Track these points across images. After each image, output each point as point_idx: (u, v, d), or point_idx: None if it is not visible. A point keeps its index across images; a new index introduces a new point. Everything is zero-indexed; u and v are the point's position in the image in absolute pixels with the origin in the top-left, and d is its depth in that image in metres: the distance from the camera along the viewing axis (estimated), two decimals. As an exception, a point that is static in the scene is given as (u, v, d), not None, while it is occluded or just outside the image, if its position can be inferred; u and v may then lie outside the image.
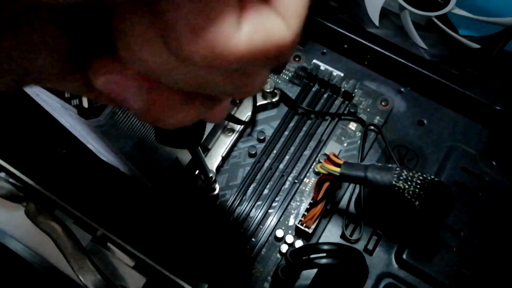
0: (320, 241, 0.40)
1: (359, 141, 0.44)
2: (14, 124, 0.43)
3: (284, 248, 0.40)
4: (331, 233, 0.41)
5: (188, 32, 0.11)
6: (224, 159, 0.43)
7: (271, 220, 0.41)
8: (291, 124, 0.45)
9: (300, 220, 0.39)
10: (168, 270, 0.37)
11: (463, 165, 0.43)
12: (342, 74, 0.46)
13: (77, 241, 0.36)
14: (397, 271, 0.39)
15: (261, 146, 0.44)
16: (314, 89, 0.46)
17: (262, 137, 0.44)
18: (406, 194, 0.34)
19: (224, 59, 0.11)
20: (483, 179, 0.42)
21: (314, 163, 0.43)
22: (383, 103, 0.46)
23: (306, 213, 0.39)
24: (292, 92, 0.46)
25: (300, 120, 0.45)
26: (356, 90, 0.46)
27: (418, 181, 0.34)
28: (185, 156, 0.40)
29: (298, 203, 0.42)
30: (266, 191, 0.42)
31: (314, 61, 0.47)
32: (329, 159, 0.38)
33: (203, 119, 0.16)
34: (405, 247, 0.39)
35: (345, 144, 0.44)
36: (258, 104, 0.45)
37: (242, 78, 0.14)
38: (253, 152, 0.43)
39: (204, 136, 0.40)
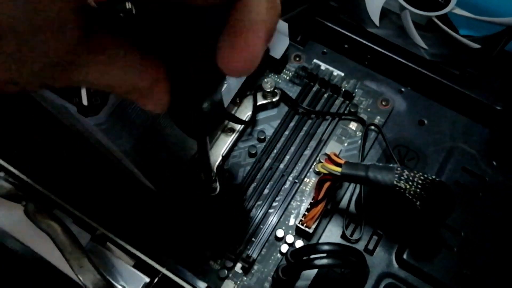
0: (321, 241, 0.40)
1: (359, 141, 0.44)
2: (14, 123, 0.43)
3: (284, 248, 0.39)
4: (332, 233, 0.41)
5: None
6: (224, 158, 0.43)
7: (271, 220, 0.41)
8: (292, 124, 0.45)
9: (301, 220, 0.39)
10: (168, 270, 0.37)
11: (464, 165, 0.43)
12: (342, 74, 0.46)
13: (76, 241, 0.36)
14: (398, 271, 0.39)
15: (261, 145, 0.44)
16: (314, 88, 0.46)
17: (262, 137, 0.44)
18: (407, 194, 0.34)
19: None
20: (484, 179, 0.42)
21: (315, 163, 0.43)
22: (383, 103, 0.46)
23: (306, 213, 0.39)
24: (293, 91, 0.46)
25: (301, 119, 0.45)
26: (356, 90, 0.46)
27: (419, 181, 0.34)
28: (185, 156, 0.40)
29: (299, 203, 0.42)
30: (266, 191, 0.42)
31: (315, 61, 0.47)
32: (329, 159, 0.38)
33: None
34: (405, 247, 0.39)
35: (345, 144, 0.44)
36: (258, 103, 0.45)
37: None
38: (253, 152, 0.43)
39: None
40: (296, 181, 0.42)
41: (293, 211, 0.41)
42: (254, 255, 0.39)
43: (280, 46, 0.44)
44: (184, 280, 0.37)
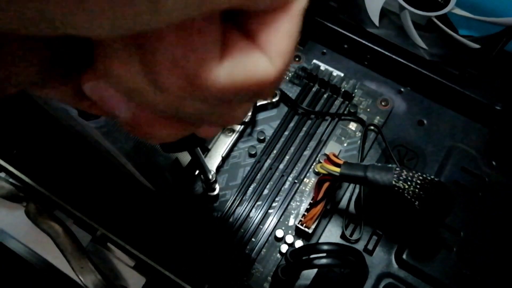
0: (320, 241, 0.40)
1: (359, 141, 0.44)
2: (14, 124, 0.43)
3: (284, 248, 0.40)
4: (331, 233, 0.41)
5: (168, 61, 0.11)
6: (224, 159, 0.43)
7: (271, 220, 0.41)
8: (291, 124, 0.45)
9: (300, 220, 0.39)
10: (168, 270, 0.37)
11: (463, 165, 0.43)
12: (342, 74, 0.46)
13: (77, 241, 0.36)
14: (397, 271, 0.39)
15: (261, 146, 0.44)
16: (314, 89, 0.46)
17: (262, 137, 0.44)
18: (406, 194, 0.34)
19: (202, 91, 0.12)
20: (483, 179, 0.42)
21: (314, 163, 0.43)
22: (383, 103, 0.46)
23: (306, 213, 0.39)
24: (292, 92, 0.46)
25: (300, 120, 0.45)
26: (356, 90, 0.46)
27: (418, 181, 0.34)
28: (185, 156, 0.40)
29: (298, 203, 0.42)
30: (266, 191, 0.42)
31: (314, 61, 0.47)
32: (329, 159, 0.38)
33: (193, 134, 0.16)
34: (405, 247, 0.39)
35: (345, 144, 0.44)
36: (258, 104, 0.45)
37: (223, 108, 0.14)
38: (253, 152, 0.43)
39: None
40: (296, 181, 0.42)
41: (292, 211, 0.42)
42: (254, 255, 0.39)
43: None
44: (184, 280, 0.37)
